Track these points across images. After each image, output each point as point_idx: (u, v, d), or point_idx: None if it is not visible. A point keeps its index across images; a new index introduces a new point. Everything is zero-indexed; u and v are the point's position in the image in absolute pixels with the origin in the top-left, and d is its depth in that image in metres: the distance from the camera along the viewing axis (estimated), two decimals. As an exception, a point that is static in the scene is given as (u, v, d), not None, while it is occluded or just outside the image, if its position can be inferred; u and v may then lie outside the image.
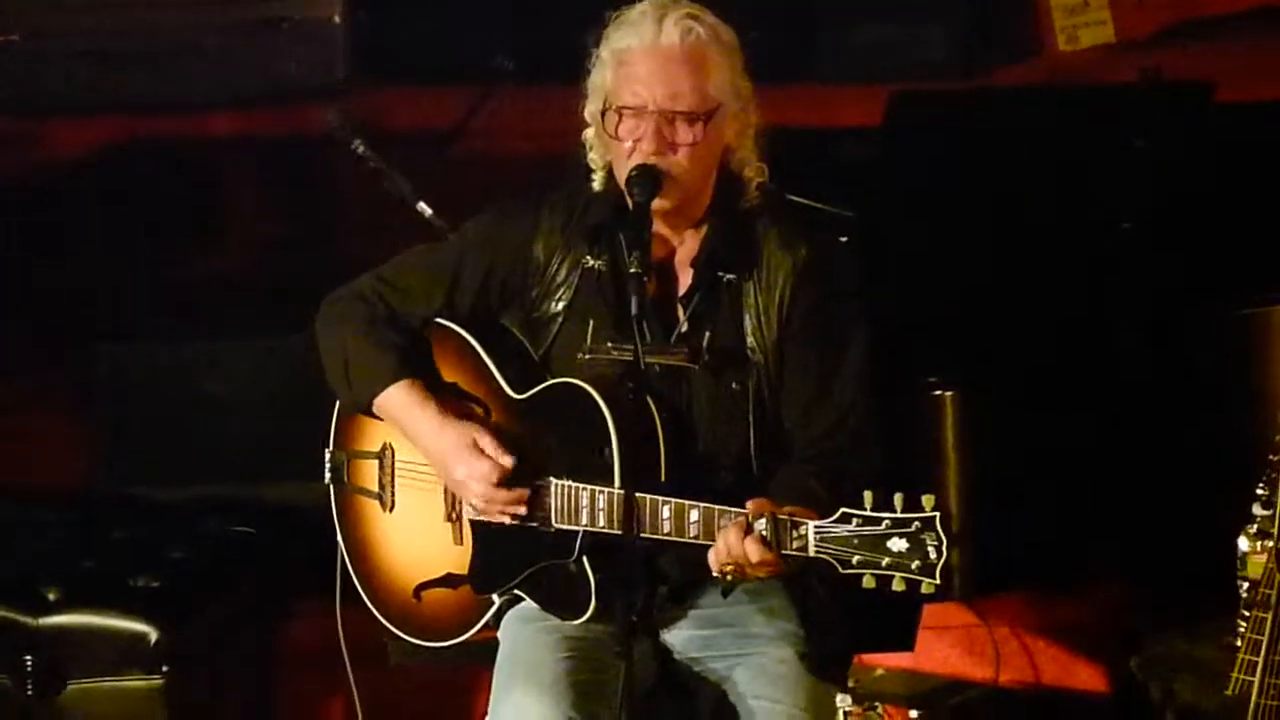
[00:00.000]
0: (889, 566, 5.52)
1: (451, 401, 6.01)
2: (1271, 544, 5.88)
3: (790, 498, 5.67)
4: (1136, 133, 7.26)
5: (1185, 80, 8.18)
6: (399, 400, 5.99)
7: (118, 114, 9.34)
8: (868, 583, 5.54)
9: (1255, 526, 5.95)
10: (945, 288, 6.67)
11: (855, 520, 5.54)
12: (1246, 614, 5.92)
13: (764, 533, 5.59)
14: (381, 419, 6.09)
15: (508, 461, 5.88)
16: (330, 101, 8.70)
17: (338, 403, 6.18)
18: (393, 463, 6.13)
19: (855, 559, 5.54)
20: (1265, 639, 5.85)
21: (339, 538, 6.22)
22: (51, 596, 6.78)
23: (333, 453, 6.21)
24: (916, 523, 5.52)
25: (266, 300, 7.31)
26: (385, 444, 6.13)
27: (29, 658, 6.73)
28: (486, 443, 5.90)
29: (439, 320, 6.05)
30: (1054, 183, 7.10)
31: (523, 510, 5.91)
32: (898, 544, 5.52)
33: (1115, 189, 7.11)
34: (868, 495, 5.54)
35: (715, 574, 5.69)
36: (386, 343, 6.00)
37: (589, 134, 5.93)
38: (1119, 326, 6.71)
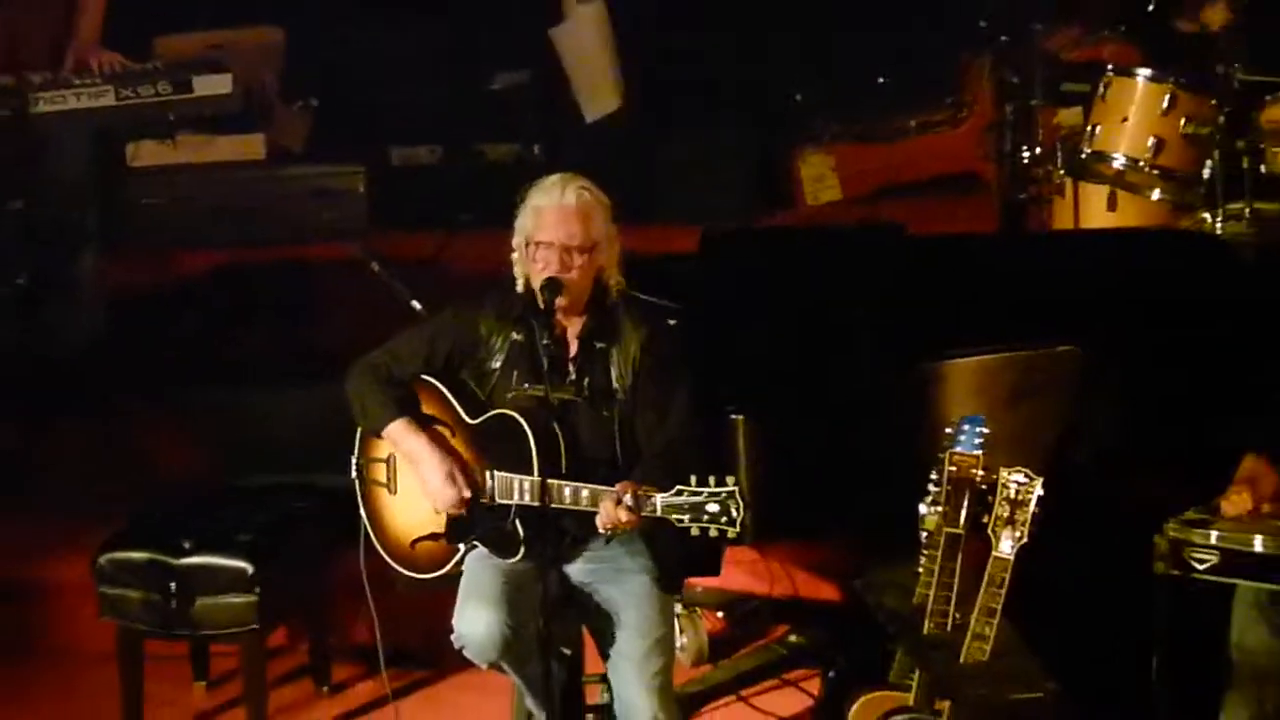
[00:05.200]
0: (707, 521, 5.62)
1: (432, 428, 6.01)
2: (939, 508, 5.86)
3: (645, 480, 5.70)
4: (855, 253, 7.23)
5: (886, 221, 8.21)
6: (398, 431, 6.00)
7: (219, 248, 9.31)
8: (694, 531, 5.63)
9: (930, 497, 5.91)
10: (740, 349, 6.60)
11: (685, 493, 5.63)
12: (925, 553, 5.91)
13: (629, 503, 5.65)
14: (387, 440, 6.09)
15: (467, 495, 5.91)
16: (357, 239, 8.73)
17: (359, 427, 6.16)
18: (395, 464, 6.12)
19: (686, 517, 5.62)
20: (936, 569, 5.85)
21: (362, 512, 6.20)
22: (186, 545, 6.75)
23: (356, 459, 6.20)
24: (724, 493, 5.61)
25: (317, 363, 7.26)
26: (390, 453, 6.13)
27: (172, 584, 6.71)
28: (459, 476, 5.93)
29: (422, 376, 6.05)
30: (805, 283, 7.02)
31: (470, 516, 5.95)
32: (712, 507, 5.62)
33: (843, 290, 7.00)
34: (693, 478, 5.61)
35: (601, 531, 5.75)
36: (388, 394, 6.02)
37: (515, 256, 5.98)
38: (855, 374, 6.63)
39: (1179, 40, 8.54)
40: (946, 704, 5.77)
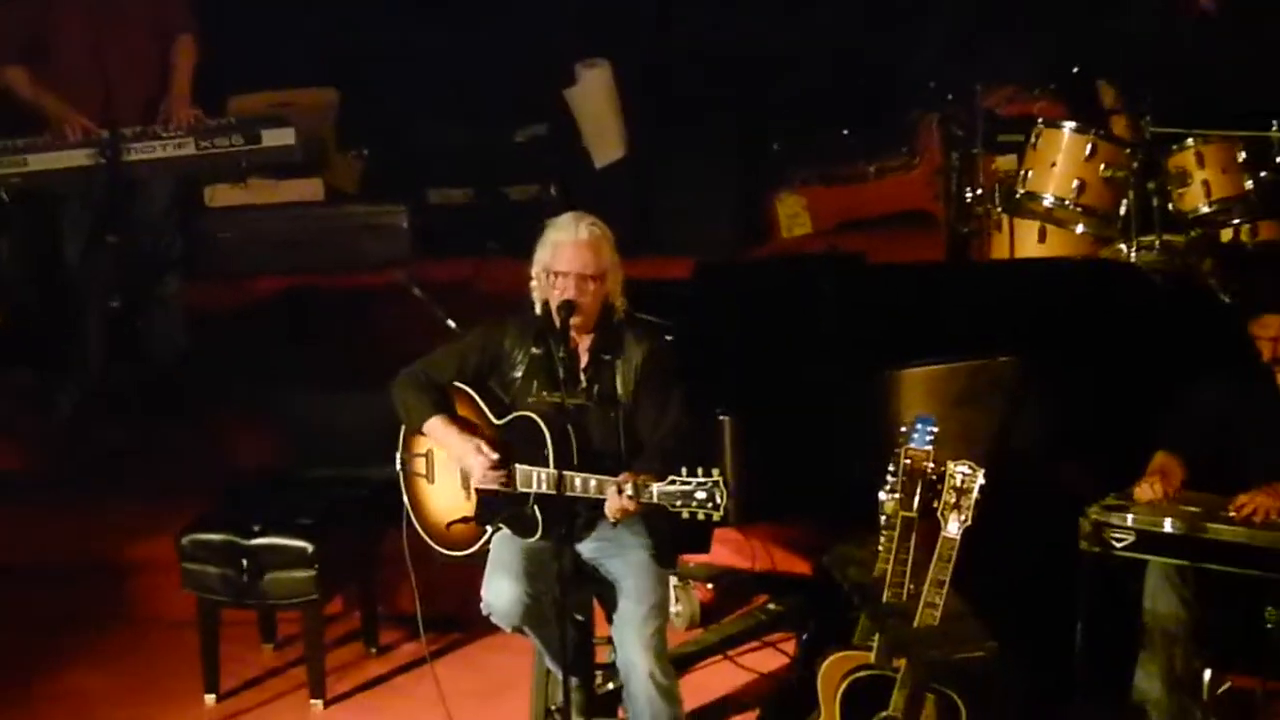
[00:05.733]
0: (697, 506, 5.60)
1: (464, 425, 5.99)
2: (896, 495, 5.83)
3: (644, 472, 5.69)
4: (823, 279, 7.21)
5: (849, 251, 8.19)
6: (435, 425, 5.99)
7: (285, 275, 9.31)
8: (685, 515, 5.61)
9: (889, 485, 5.88)
10: (726, 359, 6.56)
11: (678, 483, 5.61)
12: (884, 533, 5.88)
13: (630, 491, 5.63)
14: (426, 435, 6.06)
15: (495, 457, 5.88)
16: (400, 267, 8.71)
17: (403, 426, 6.14)
18: (432, 459, 6.10)
19: (678, 503, 5.61)
20: (894, 547, 5.82)
21: (404, 498, 6.18)
22: (256, 527, 6.74)
23: (400, 455, 6.18)
24: (711, 482, 5.59)
25: (367, 372, 7.21)
26: (429, 449, 6.10)
27: (244, 561, 6.71)
28: (484, 447, 5.90)
29: (456, 383, 6.04)
30: (781, 304, 6.99)
31: (503, 482, 5.88)
32: (701, 494, 5.61)
33: (813, 310, 6.97)
34: (684, 470, 5.59)
35: (610, 519, 5.73)
36: (427, 397, 6.01)
37: (534, 283, 5.97)
38: (824, 381, 6.57)
39: (1098, 97, 8.56)
40: (903, 661, 5.75)
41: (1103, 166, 8.08)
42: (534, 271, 5.95)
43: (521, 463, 5.89)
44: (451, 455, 6.00)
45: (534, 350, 5.93)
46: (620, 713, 6.13)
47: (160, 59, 8.14)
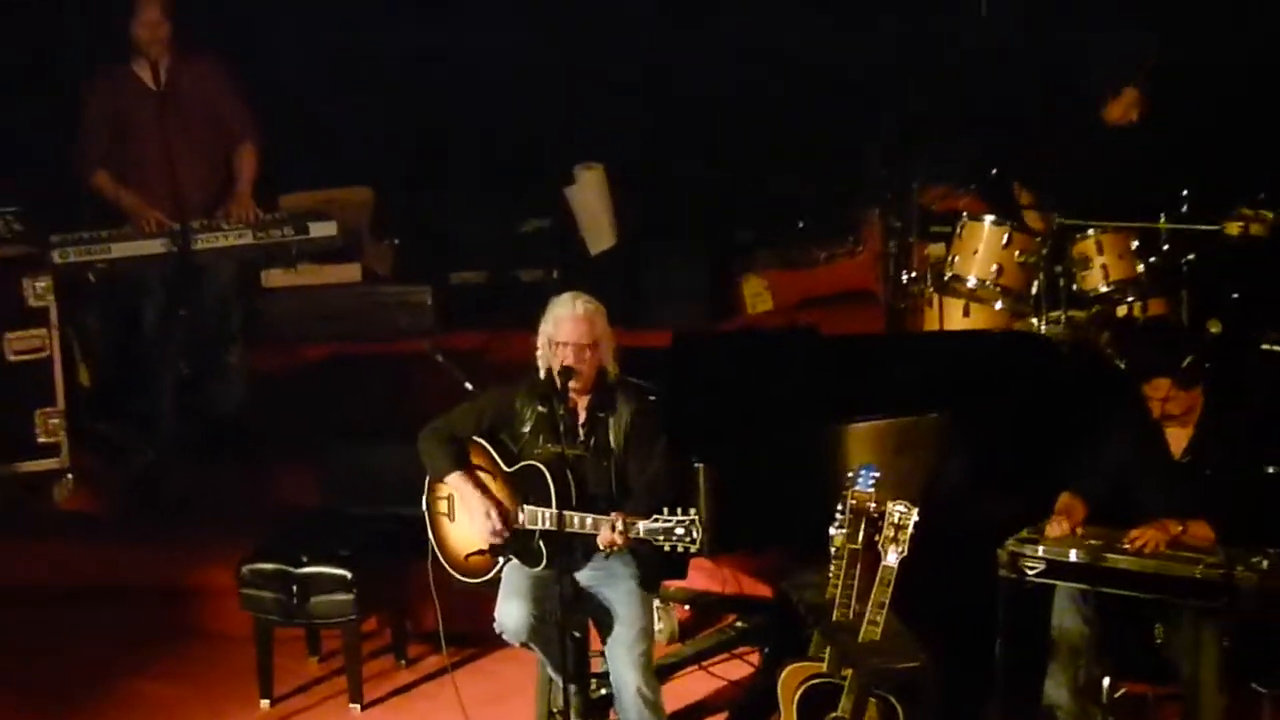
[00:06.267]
0: (676, 540, 5.63)
1: (480, 474, 5.99)
2: (843, 530, 5.86)
3: (632, 512, 5.73)
4: (783, 349, 7.23)
5: (806, 324, 8.20)
6: (455, 479, 6.03)
7: (329, 343, 9.30)
8: (666, 548, 5.63)
9: (838, 522, 5.90)
10: (701, 416, 6.52)
11: (661, 521, 5.64)
12: (833, 563, 5.91)
13: (620, 528, 5.66)
14: (447, 485, 6.08)
15: (500, 526, 5.90)
16: (426, 338, 8.71)
17: (428, 474, 6.16)
18: (453, 501, 6.12)
19: (661, 537, 5.64)
20: (842, 574, 5.85)
21: (429, 534, 6.20)
22: (304, 558, 6.74)
23: (425, 497, 6.20)
24: (688, 520, 5.63)
25: (398, 426, 7.19)
26: (449, 493, 6.12)
27: (294, 586, 6.72)
28: (493, 514, 5.92)
29: (473, 437, 6.06)
30: (746, 369, 6.98)
31: (505, 541, 5.91)
32: (680, 530, 5.64)
33: (774, 374, 6.99)
34: (665, 509, 5.61)
35: (601, 549, 5.75)
36: (449, 449, 6.03)
37: (539, 352, 6.00)
38: (783, 434, 6.54)
39: (1013, 196, 8.60)
40: (849, 671, 5.78)
41: (1017, 253, 8.11)
42: (539, 342, 5.99)
43: (529, 504, 5.92)
44: (467, 508, 6.02)
45: (539, 409, 5.97)
46: (612, 715, 6.15)
47: (223, 161, 8.19)
